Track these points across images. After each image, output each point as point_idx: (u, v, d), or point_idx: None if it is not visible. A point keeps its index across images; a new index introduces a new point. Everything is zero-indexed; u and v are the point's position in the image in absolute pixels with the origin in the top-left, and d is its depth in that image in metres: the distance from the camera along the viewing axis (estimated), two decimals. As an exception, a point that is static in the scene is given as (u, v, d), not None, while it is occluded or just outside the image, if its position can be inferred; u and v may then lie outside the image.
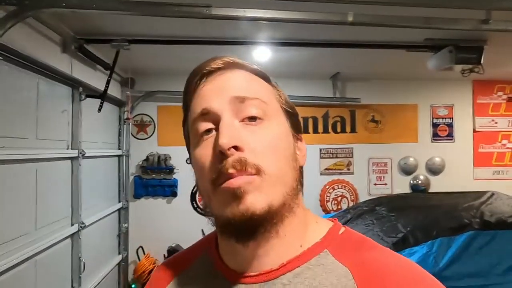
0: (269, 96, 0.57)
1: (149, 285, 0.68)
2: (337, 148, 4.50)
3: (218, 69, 0.56)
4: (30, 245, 2.19)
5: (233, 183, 0.49)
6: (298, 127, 0.61)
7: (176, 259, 0.70)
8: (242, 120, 0.53)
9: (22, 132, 2.16)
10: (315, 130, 4.45)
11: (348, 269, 0.53)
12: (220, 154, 0.50)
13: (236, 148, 0.50)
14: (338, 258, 0.55)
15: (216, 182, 0.51)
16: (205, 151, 0.53)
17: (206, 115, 0.54)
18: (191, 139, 0.58)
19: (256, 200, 0.49)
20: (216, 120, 0.53)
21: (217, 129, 0.53)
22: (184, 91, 0.60)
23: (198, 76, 0.57)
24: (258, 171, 0.50)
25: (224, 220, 0.52)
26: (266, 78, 0.60)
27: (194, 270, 0.63)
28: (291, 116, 0.60)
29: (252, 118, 0.53)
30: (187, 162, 0.62)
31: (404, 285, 0.50)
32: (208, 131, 0.54)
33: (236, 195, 0.49)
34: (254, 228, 0.50)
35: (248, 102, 0.54)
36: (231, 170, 0.49)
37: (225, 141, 0.49)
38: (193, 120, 0.55)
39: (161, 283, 0.65)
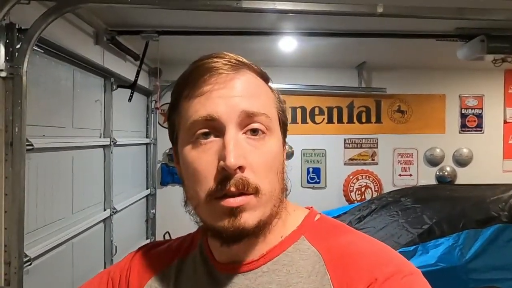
0: (273, 109, 0.58)
1: (137, 262, 0.70)
2: (362, 138, 4.47)
3: (226, 70, 0.55)
4: (68, 228, 2.31)
5: (233, 203, 0.51)
6: (285, 134, 0.62)
7: (170, 248, 0.71)
8: (245, 132, 0.54)
9: (60, 121, 2.27)
10: (340, 120, 4.43)
11: (320, 255, 0.56)
12: (222, 170, 0.51)
13: (239, 167, 0.51)
14: (313, 243, 0.58)
15: (213, 195, 0.52)
16: (202, 156, 0.53)
17: (210, 121, 0.53)
18: (183, 134, 0.57)
19: (250, 218, 0.52)
20: (218, 128, 0.53)
21: (216, 136, 0.53)
22: (183, 81, 0.57)
23: (207, 75, 0.54)
24: (256, 191, 0.52)
25: (213, 229, 0.54)
26: (267, 80, 0.61)
27: (190, 259, 0.66)
28: (284, 125, 0.61)
29: (255, 131, 0.54)
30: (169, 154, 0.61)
31: (369, 266, 0.52)
32: (206, 134, 0.54)
33: (233, 212, 0.51)
34: (241, 238, 0.53)
35: (256, 117, 0.54)
36: (232, 189, 0.51)
37: (233, 161, 0.50)
38: (193, 121, 0.54)
39: (152, 268, 0.68)
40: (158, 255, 0.70)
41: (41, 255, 2.00)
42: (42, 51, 1.98)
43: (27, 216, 1.83)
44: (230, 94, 0.54)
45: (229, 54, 0.57)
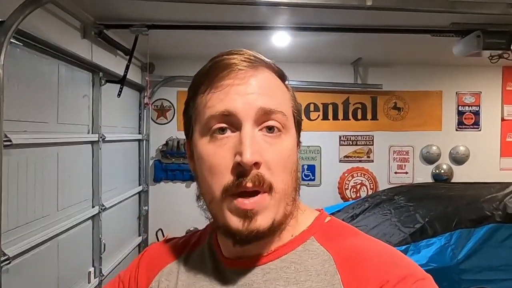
0: (289, 108, 0.59)
1: (145, 260, 0.70)
2: (357, 136, 4.42)
3: (245, 67, 0.56)
4: (52, 226, 2.27)
5: (247, 205, 0.52)
6: (300, 133, 0.63)
7: (177, 244, 0.72)
8: (261, 129, 0.54)
9: (43, 116, 2.21)
10: (335, 117, 4.38)
11: (330, 255, 0.57)
12: (238, 166, 0.51)
13: (255, 163, 0.52)
14: (323, 244, 0.59)
15: (228, 191, 0.53)
16: (218, 151, 0.54)
17: (227, 116, 0.53)
18: (199, 129, 0.57)
19: (264, 219, 0.53)
20: (235, 124, 0.54)
21: (232, 131, 0.54)
22: (201, 76, 0.58)
23: (225, 71, 0.55)
24: (270, 189, 0.53)
25: (226, 229, 0.54)
26: (284, 78, 0.62)
27: (197, 253, 0.67)
28: (298, 124, 0.62)
29: (271, 128, 0.55)
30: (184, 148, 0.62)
31: (380, 268, 0.53)
32: (222, 129, 0.54)
33: (247, 215, 0.52)
34: (255, 240, 0.54)
35: (272, 115, 0.55)
36: (249, 185, 0.52)
37: (249, 158, 0.50)
38: (210, 116, 0.54)
39: (159, 263, 0.68)
40: (166, 250, 0.70)
41: (22, 253, 1.95)
42: (22, 44, 1.92)
43: (6, 214, 1.79)
44: (248, 90, 0.54)
45: (248, 51, 0.58)
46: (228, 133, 0.54)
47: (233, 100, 0.54)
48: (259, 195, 0.52)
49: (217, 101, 0.54)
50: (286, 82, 0.62)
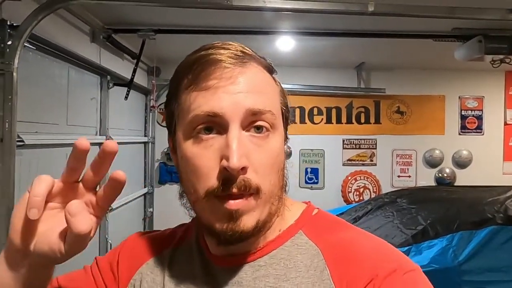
0: (277, 104, 0.57)
1: (127, 250, 0.68)
2: (361, 139, 4.45)
3: (232, 63, 0.52)
4: (61, 225, 2.32)
5: (233, 205, 0.50)
6: (287, 128, 0.61)
7: (163, 235, 0.70)
8: (249, 130, 0.52)
9: (53, 118, 2.27)
10: (338, 121, 4.42)
11: (319, 249, 0.56)
12: (224, 170, 0.50)
13: (242, 168, 0.50)
14: (311, 238, 0.58)
15: (212, 193, 0.51)
16: (203, 153, 0.52)
17: (213, 117, 0.51)
18: (183, 127, 0.55)
19: (249, 220, 0.52)
20: (221, 124, 0.51)
21: (218, 132, 0.52)
22: (185, 70, 0.55)
23: (211, 68, 0.52)
24: (257, 192, 0.52)
25: (211, 229, 0.54)
26: (272, 72, 0.59)
27: (185, 248, 0.66)
28: (286, 119, 0.60)
29: (259, 128, 0.53)
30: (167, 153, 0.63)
31: (370, 262, 0.52)
32: (207, 129, 0.52)
33: (232, 216, 0.51)
34: (239, 240, 0.53)
35: (261, 115, 0.52)
36: (234, 190, 0.50)
37: (237, 164, 0.48)
38: (195, 115, 0.52)
39: (143, 255, 0.67)
40: (150, 242, 0.68)
41: (32, 251, 2.00)
42: (35, 47, 1.99)
43: (18, 212, 1.83)
44: (235, 90, 0.51)
45: (235, 44, 0.55)
46: (214, 133, 0.52)
47: (219, 100, 0.51)
48: (244, 198, 0.51)
49: (203, 100, 0.51)
50: (274, 75, 0.60)
